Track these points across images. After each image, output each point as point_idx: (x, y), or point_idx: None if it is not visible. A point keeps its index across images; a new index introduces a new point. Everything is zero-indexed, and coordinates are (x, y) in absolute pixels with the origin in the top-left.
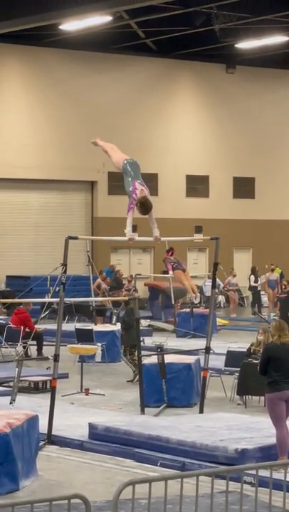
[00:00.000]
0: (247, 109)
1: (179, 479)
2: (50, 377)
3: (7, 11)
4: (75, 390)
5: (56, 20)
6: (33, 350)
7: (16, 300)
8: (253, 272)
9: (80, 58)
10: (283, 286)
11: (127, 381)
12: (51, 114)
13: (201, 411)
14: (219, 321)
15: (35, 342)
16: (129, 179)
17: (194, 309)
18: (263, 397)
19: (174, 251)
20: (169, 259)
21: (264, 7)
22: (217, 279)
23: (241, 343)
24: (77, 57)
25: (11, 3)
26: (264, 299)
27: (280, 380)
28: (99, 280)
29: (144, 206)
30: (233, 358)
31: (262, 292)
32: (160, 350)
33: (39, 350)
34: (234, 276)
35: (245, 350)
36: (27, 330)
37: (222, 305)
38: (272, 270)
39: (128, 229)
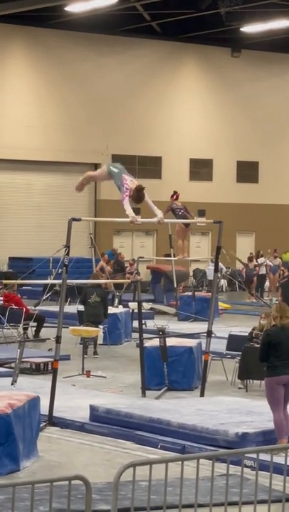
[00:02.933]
0: (252, 94)
1: (180, 462)
2: (51, 359)
3: None
4: (77, 371)
5: (61, 2)
6: (31, 332)
7: (19, 281)
8: (257, 256)
9: (84, 40)
10: (282, 272)
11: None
12: (55, 96)
13: (202, 394)
14: (221, 305)
15: (36, 324)
16: (118, 174)
17: (196, 293)
18: (263, 381)
19: (179, 194)
20: (175, 204)
21: None
22: (220, 263)
23: (243, 327)
24: (82, 39)
25: None
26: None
27: (279, 364)
28: (102, 263)
29: (140, 193)
30: (234, 342)
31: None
32: (162, 333)
33: (37, 332)
34: (274, 257)
35: (246, 334)
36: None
37: (224, 289)
38: (275, 257)
39: (129, 211)
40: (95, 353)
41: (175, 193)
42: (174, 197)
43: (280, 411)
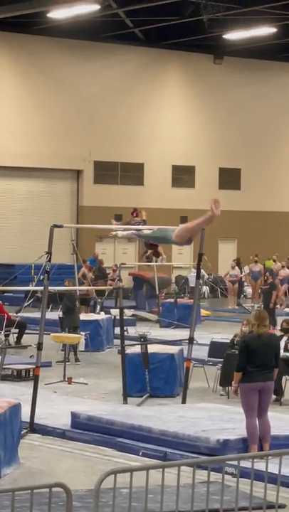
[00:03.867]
0: (234, 100)
1: (161, 469)
2: (33, 366)
3: None
4: (58, 378)
5: (45, 8)
6: (13, 338)
7: (1, 288)
8: (238, 263)
9: (68, 46)
10: (266, 278)
11: (57, 361)
12: (38, 101)
13: (184, 401)
14: (203, 312)
15: (17, 330)
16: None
17: (178, 299)
18: None
19: (139, 212)
20: (133, 220)
21: None
22: (202, 270)
23: (224, 334)
24: (65, 45)
25: None
26: (248, 290)
27: (253, 371)
28: (84, 269)
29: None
30: (216, 349)
31: (245, 283)
32: (143, 340)
33: (19, 338)
34: (255, 263)
35: (228, 341)
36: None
37: (206, 295)
38: (256, 262)
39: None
40: (77, 359)
41: (135, 210)
42: (134, 214)
43: (253, 417)
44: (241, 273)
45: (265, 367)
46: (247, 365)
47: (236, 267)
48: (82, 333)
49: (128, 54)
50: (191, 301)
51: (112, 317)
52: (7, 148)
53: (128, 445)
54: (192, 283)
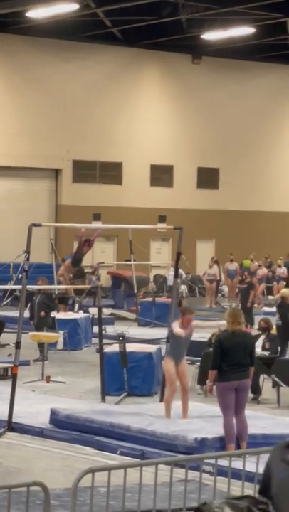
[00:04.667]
0: (212, 100)
1: (138, 468)
2: (11, 364)
3: None
4: (36, 377)
5: (23, 7)
6: None
7: None
8: (216, 263)
9: (46, 46)
10: (244, 277)
11: (34, 360)
12: (16, 101)
13: (162, 400)
14: None
15: None
16: None
17: (156, 298)
18: None
19: (91, 242)
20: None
21: None
22: (180, 269)
23: (202, 333)
24: (43, 45)
25: None
26: (225, 289)
27: (228, 370)
28: (62, 268)
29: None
30: (194, 348)
31: (221, 282)
32: (122, 338)
33: None
34: (231, 261)
35: (206, 339)
36: None
37: (184, 294)
38: (232, 261)
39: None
40: (46, 358)
41: (87, 240)
42: (86, 244)
43: (230, 416)
44: (220, 272)
45: (240, 365)
46: (222, 363)
47: (214, 266)
48: (60, 331)
49: (106, 54)
50: (170, 300)
51: (91, 316)
52: None
53: (106, 444)
54: (170, 282)
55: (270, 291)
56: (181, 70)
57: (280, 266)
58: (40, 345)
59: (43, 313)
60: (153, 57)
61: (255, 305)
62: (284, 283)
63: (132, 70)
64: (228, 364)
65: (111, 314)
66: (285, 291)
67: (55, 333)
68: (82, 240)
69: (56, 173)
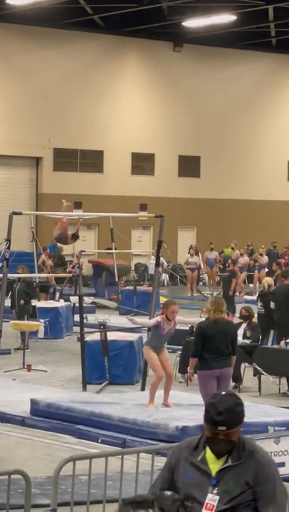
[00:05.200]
0: (193, 88)
1: (120, 456)
2: None
3: None
4: (17, 366)
5: None
6: None
7: None
8: (196, 251)
9: (27, 33)
10: (227, 265)
11: (15, 348)
12: None
13: (143, 388)
14: (162, 299)
15: None
16: None
17: (137, 287)
18: None
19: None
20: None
21: None
22: (161, 257)
23: None
24: (24, 32)
25: None
26: (205, 277)
27: (209, 358)
28: (43, 257)
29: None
30: (175, 336)
31: (201, 271)
32: (103, 327)
33: None
34: (211, 250)
35: (187, 328)
36: None
37: (165, 283)
38: (211, 249)
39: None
40: (27, 347)
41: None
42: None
43: None
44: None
45: (221, 354)
46: (203, 352)
47: (195, 255)
48: (41, 320)
49: (87, 41)
50: (151, 288)
51: (72, 304)
52: None
53: (87, 432)
54: (151, 270)
55: (251, 279)
56: (162, 58)
57: (261, 254)
58: (22, 334)
59: (22, 302)
60: (134, 44)
61: (237, 293)
62: (265, 271)
63: (113, 58)
64: (210, 352)
65: (92, 303)
66: (268, 279)
67: (36, 321)
68: (67, 232)
69: (37, 161)
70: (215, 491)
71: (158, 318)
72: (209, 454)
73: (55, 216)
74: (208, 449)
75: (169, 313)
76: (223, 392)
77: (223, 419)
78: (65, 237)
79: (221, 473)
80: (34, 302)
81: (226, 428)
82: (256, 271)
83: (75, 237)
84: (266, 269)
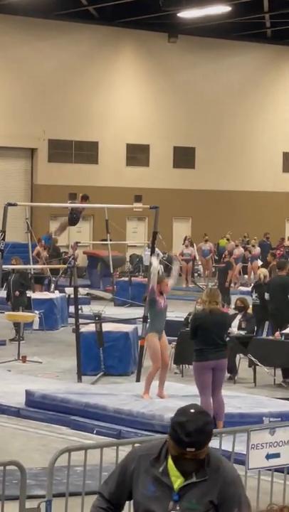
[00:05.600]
0: (188, 79)
1: (115, 447)
2: None
3: None
4: (13, 357)
5: None
6: None
7: None
8: (188, 242)
9: (21, 24)
10: (223, 256)
11: (10, 340)
12: None
13: (138, 379)
14: None
15: None
16: None
17: (133, 278)
18: None
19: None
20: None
21: None
22: (156, 249)
23: (178, 312)
24: (19, 23)
25: None
26: (201, 268)
27: (204, 349)
28: (38, 248)
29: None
30: (170, 327)
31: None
32: (98, 318)
33: None
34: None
35: (182, 319)
36: None
37: (160, 274)
38: (206, 241)
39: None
40: (22, 338)
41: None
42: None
43: (207, 395)
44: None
45: (217, 345)
46: (199, 343)
47: (190, 246)
48: (36, 311)
49: (82, 32)
50: (146, 279)
51: (67, 296)
52: None
53: (82, 423)
54: (146, 261)
55: (246, 270)
56: (157, 49)
57: (254, 246)
58: (16, 325)
59: (17, 293)
60: (129, 35)
61: (232, 285)
62: (257, 263)
63: (107, 49)
64: (205, 344)
65: (87, 294)
66: (263, 270)
67: (31, 312)
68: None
69: (32, 152)
70: (177, 508)
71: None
72: (172, 465)
73: (50, 207)
74: (170, 460)
75: (164, 286)
76: (192, 410)
77: (193, 440)
78: (78, 211)
79: (185, 489)
80: (29, 293)
81: (195, 449)
82: (249, 262)
83: (85, 197)
84: (259, 261)
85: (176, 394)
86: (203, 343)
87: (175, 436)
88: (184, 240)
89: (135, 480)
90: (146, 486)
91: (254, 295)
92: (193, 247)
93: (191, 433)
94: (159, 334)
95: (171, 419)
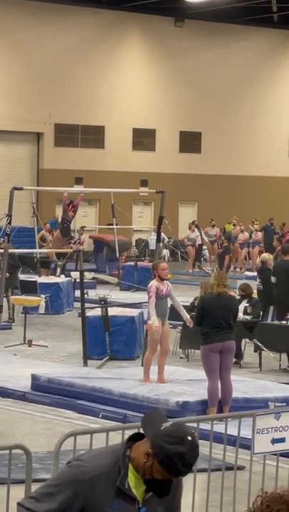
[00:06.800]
0: (195, 64)
1: (121, 431)
2: None
3: None
4: (18, 341)
5: None
6: None
7: None
8: (196, 226)
9: (28, 8)
10: (222, 242)
11: (9, 318)
12: None
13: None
14: None
15: None
16: None
17: (138, 262)
18: None
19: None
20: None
21: None
22: (162, 233)
23: (184, 297)
24: (25, 8)
25: None
26: (207, 253)
27: (211, 332)
28: (43, 232)
29: None
30: (176, 312)
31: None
32: (104, 302)
33: None
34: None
35: (188, 304)
36: None
37: (166, 259)
38: (213, 226)
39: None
40: (12, 320)
41: (71, 202)
42: (70, 207)
43: (215, 379)
44: (201, 236)
45: (223, 327)
46: (205, 326)
47: (196, 231)
48: (42, 295)
49: (88, 16)
50: (151, 264)
51: (73, 280)
52: None
53: (88, 407)
54: (152, 246)
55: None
56: (163, 33)
57: (256, 230)
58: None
59: (7, 274)
60: (135, 20)
61: (237, 269)
62: (258, 248)
63: (114, 33)
64: (211, 326)
65: (93, 278)
66: (265, 255)
67: (37, 297)
68: (65, 204)
69: (38, 136)
70: None
71: (153, 284)
72: (131, 478)
73: (56, 191)
74: (130, 473)
75: (160, 271)
76: (189, 437)
77: (189, 470)
78: (66, 213)
79: (148, 500)
80: (34, 277)
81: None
82: (250, 247)
83: (70, 205)
84: (261, 246)
85: (181, 378)
86: (209, 326)
87: (171, 466)
88: (191, 225)
89: (93, 503)
90: (110, 505)
91: (258, 280)
92: (200, 231)
93: (191, 465)
94: (161, 320)
95: (164, 446)
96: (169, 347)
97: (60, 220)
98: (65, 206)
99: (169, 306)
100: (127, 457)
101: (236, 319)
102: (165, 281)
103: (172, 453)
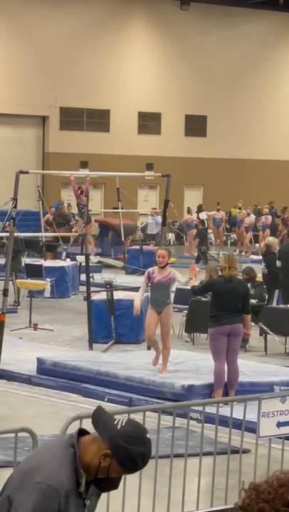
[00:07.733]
0: (200, 47)
1: (126, 414)
2: None
3: None
4: (24, 324)
5: None
6: None
7: None
8: (199, 210)
9: None
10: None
11: (14, 301)
12: (3, 48)
13: (149, 347)
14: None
15: None
16: None
17: (144, 246)
18: None
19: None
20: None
21: None
22: (158, 217)
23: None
24: None
25: None
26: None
27: (219, 314)
28: (48, 215)
29: None
30: (181, 296)
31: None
32: (109, 286)
33: None
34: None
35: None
36: None
37: (172, 242)
38: (218, 210)
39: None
40: (17, 303)
41: (79, 187)
42: (79, 191)
43: (222, 362)
44: (207, 220)
45: (231, 310)
46: (214, 309)
47: (203, 213)
48: (47, 279)
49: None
50: (157, 248)
51: (78, 264)
52: None
53: (94, 391)
54: (150, 230)
55: (257, 239)
56: (169, 17)
57: (267, 214)
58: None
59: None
60: (141, 3)
61: (243, 253)
62: (268, 231)
63: (119, 16)
64: (220, 309)
65: (98, 262)
66: (270, 239)
67: (43, 280)
68: (76, 190)
69: (43, 120)
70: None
71: (149, 270)
72: (82, 478)
73: (62, 175)
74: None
75: (156, 258)
76: (147, 435)
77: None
78: (80, 198)
79: (86, 490)
80: (40, 261)
81: None
82: (261, 231)
83: (80, 189)
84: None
85: (187, 362)
86: (218, 309)
87: (133, 466)
88: (189, 209)
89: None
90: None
91: (263, 264)
92: (199, 215)
93: (148, 461)
94: (155, 308)
95: (126, 447)
96: (167, 339)
97: (66, 205)
98: (76, 192)
99: (170, 291)
100: (79, 460)
101: (249, 304)
102: (168, 269)
103: (135, 454)
